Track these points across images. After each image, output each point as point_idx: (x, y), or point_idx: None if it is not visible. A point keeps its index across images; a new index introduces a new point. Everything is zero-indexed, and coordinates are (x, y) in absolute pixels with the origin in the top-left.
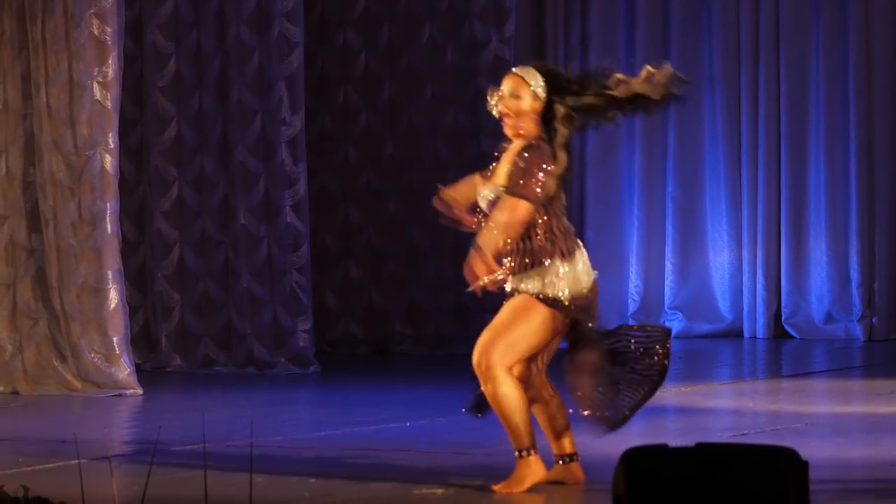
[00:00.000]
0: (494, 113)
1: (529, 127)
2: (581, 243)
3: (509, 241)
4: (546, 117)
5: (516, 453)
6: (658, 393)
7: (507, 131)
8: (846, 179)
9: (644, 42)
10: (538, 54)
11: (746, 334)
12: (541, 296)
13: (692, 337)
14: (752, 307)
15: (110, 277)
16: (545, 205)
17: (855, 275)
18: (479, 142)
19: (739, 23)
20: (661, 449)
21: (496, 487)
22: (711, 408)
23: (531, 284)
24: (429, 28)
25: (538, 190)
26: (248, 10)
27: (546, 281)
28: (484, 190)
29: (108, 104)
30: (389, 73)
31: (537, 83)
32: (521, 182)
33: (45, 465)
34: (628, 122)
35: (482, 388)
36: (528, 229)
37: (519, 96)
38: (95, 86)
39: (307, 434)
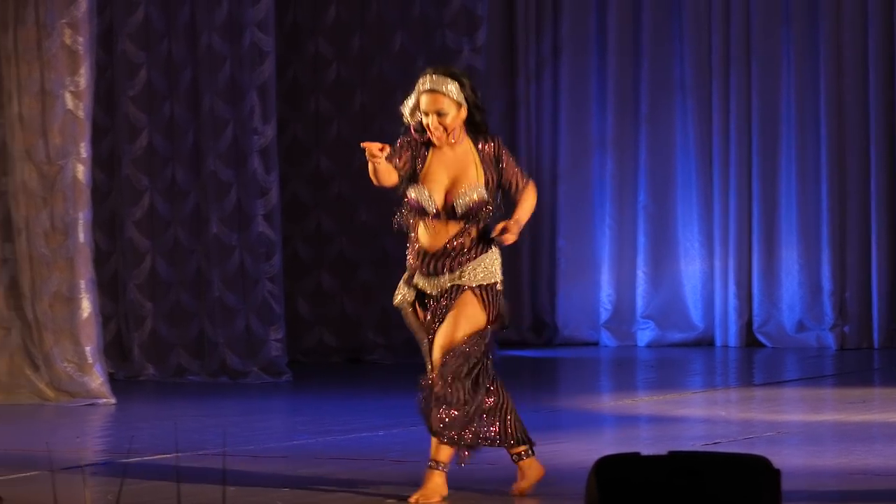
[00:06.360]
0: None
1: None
2: None
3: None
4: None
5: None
6: (630, 401)
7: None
8: (817, 188)
9: (615, 51)
10: (509, 63)
11: (718, 343)
12: (479, 289)
13: (664, 346)
14: (724, 316)
15: (83, 287)
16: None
17: (826, 284)
18: None
19: (711, 32)
20: (634, 457)
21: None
22: (683, 416)
23: (473, 276)
24: (400, 37)
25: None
26: (219, 19)
27: (487, 270)
28: (464, 194)
29: (81, 114)
30: (361, 81)
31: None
32: (521, 171)
33: (17, 474)
34: (600, 131)
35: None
36: (465, 229)
37: (445, 112)
38: (67, 95)
39: (280, 443)
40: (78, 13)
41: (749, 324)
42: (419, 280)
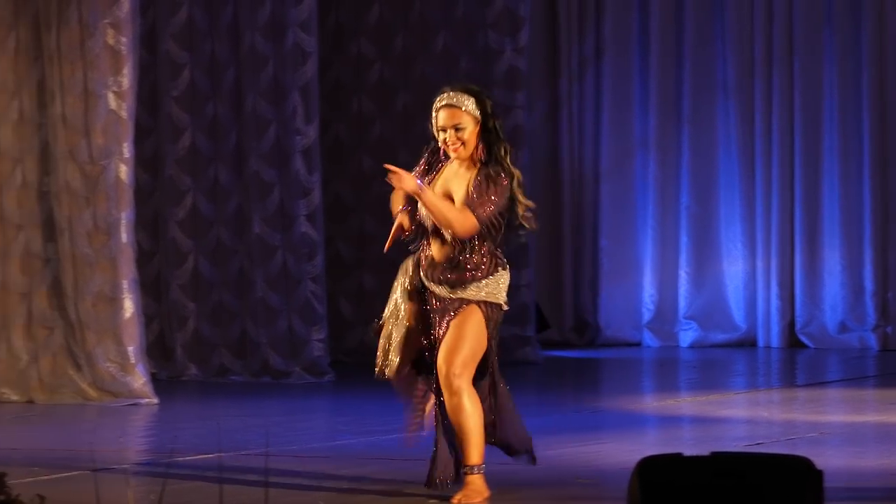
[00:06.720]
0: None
1: (477, 151)
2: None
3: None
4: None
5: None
6: (672, 402)
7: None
8: (860, 189)
9: (658, 52)
10: (552, 64)
11: (761, 343)
12: (484, 304)
13: (707, 346)
14: (767, 317)
15: (125, 287)
16: (488, 233)
17: (869, 284)
18: None
19: (753, 33)
20: (676, 458)
21: (455, 499)
22: (726, 417)
23: (477, 293)
24: (443, 37)
25: (488, 216)
26: (262, 20)
27: (492, 291)
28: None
29: (124, 114)
30: (403, 82)
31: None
32: (481, 202)
33: (60, 474)
34: (642, 132)
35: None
36: (472, 246)
37: (462, 127)
38: (110, 95)
39: (323, 443)
40: (121, 13)
41: (791, 324)
42: (425, 280)
